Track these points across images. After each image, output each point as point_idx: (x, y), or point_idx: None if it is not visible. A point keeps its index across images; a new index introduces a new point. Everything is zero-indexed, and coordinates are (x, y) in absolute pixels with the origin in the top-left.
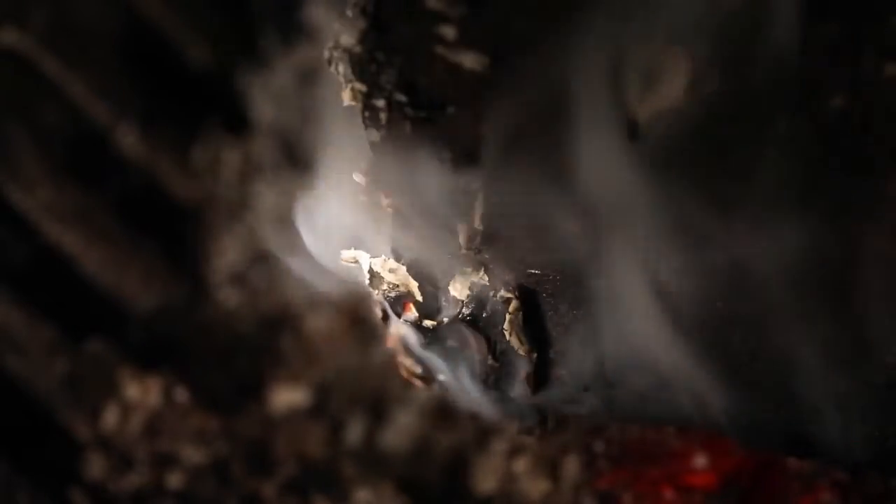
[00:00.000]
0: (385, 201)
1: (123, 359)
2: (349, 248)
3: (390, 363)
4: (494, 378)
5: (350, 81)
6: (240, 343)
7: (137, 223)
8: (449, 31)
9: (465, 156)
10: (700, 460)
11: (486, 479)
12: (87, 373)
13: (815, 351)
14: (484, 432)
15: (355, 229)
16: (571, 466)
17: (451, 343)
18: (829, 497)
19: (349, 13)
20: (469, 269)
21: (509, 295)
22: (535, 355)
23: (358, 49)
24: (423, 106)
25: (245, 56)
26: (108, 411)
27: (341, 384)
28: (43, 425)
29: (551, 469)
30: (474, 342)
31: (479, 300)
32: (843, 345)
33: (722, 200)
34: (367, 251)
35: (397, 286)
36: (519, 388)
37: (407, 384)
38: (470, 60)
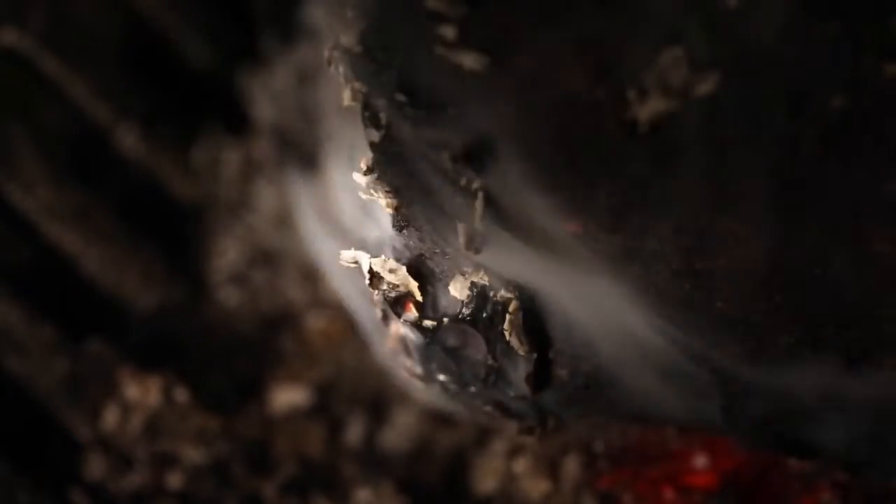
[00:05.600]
0: (385, 201)
1: (123, 359)
2: (349, 248)
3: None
4: (494, 378)
5: (350, 81)
6: (240, 343)
7: (137, 223)
8: (449, 31)
9: (465, 156)
10: (700, 460)
11: (486, 479)
12: (87, 373)
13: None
14: (484, 432)
15: (355, 229)
16: (571, 466)
17: (451, 343)
18: (829, 497)
19: (349, 13)
20: (469, 269)
21: (509, 295)
22: (535, 355)
23: (358, 49)
24: (423, 106)
25: (245, 56)
26: (108, 411)
27: (341, 384)
28: (43, 425)
29: (551, 469)
30: (474, 342)
31: (479, 300)
32: (842, 347)
33: (721, 199)
34: (367, 251)
35: (397, 286)
36: (519, 388)
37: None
38: (470, 60)
